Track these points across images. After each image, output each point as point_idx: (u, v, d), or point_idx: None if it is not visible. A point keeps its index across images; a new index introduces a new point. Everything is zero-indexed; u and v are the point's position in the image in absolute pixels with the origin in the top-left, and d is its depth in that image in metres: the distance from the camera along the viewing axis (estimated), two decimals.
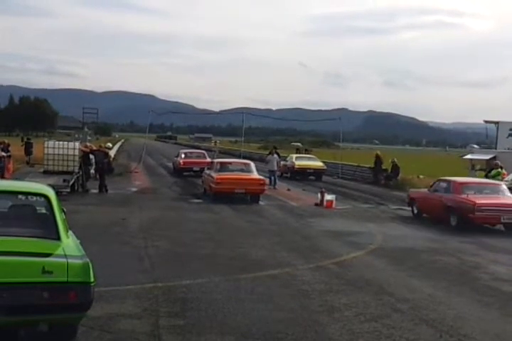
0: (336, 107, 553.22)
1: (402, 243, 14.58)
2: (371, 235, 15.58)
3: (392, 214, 20.62)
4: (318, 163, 35.75)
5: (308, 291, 9.19)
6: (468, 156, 33.77)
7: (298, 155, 40.56)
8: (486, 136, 39.21)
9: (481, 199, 17.02)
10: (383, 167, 33.27)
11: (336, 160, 41.14)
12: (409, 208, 20.69)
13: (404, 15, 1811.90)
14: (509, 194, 18.03)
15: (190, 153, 37.68)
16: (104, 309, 7.58)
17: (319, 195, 22.25)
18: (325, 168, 35.63)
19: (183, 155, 35.44)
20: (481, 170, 29.06)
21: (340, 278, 10.24)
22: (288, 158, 36.67)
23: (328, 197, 21.78)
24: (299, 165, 34.69)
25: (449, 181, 18.90)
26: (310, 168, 34.62)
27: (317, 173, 34.87)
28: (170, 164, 40.85)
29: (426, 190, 20.38)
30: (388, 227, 17.35)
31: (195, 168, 32.75)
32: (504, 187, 18.60)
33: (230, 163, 25.44)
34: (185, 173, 33.60)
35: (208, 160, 31.75)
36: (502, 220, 16.94)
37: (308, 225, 17.28)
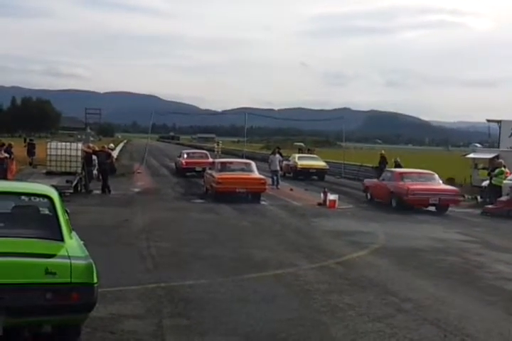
0: (338, 107, 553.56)
1: (405, 242, 14.56)
2: (374, 235, 15.57)
3: (395, 214, 20.59)
4: (320, 163, 35.92)
5: (312, 291, 9.19)
6: (471, 155, 33.73)
7: (300, 155, 40.60)
8: (488, 134, 39.14)
9: (414, 185, 21.09)
10: (387, 166, 33.20)
11: (338, 160, 41.15)
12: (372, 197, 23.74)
13: (406, 15, 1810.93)
14: (440, 181, 22.27)
15: (193, 153, 37.79)
16: (107, 309, 7.58)
17: (322, 194, 22.25)
18: (327, 167, 35.87)
19: (185, 156, 35.49)
20: (483, 168, 29.02)
21: (344, 278, 10.23)
22: (290, 158, 36.81)
23: (331, 196, 21.77)
24: (301, 165, 34.83)
25: (392, 172, 23.76)
26: (312, 168, 34.82)
27: (320, 173, 35.13)
28: (172, 164, 40.86)
29: (376, 179, 24.22)
30: (391, 227, 17.34)
31: (197, 168, 32.69)
32: (436, 176, 22.43)
33: (231, 162, 25.55)
34: (187, 174, 33.61)
35: (211, 160, 31.21)
36: (430, 202, 20.99)
37: (311, 225, 17.28)
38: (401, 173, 22.91)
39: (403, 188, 21.06)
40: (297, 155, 38.35)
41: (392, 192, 21.69)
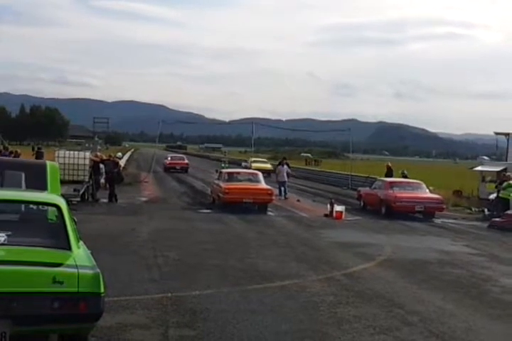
0: (345, 118, 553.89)
1: (412, 254, 14.52)
2: (380, 246, 15.54)
3: (401, 226, 20.57)
4: (268, 166, 47.02)
5: (318, 303, 9.17)
6: (479, 168, 33.64)
7: (254, 159, 51.67)
8: (496, 147, 39.03)
9: (401, 194, 22.71)
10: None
11: (345, 171, 41.25)
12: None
13: (414, 27, 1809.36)
14: (426, 190, 23.72)
15: (174, 156, 55.59)
16: (113, 319, 7.58)
17: (329, 205, 22.23)
18: (272, 168, 42.56)
19: (169, 158, 52.28)
20: (491, 181, 28.93)
21: (350, 290, 10.20)
22: (248, 161, 49.50)
23: (337, 208, 21.75)
24: (254, 167, 43.44)
25: (383, 181, 25.26)
26: (261, 169, 39.76)
27: (267, 173, 40.13)
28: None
29: (369, 188, 25.54)
30: (397, 239, 17.30)
31: (177, 167, 49.27)
32: (423, 185, 23.88)
33: (238, 173, 25.69)
34: (171, 170, 47.72)
35: (186, 161, 51.20)
36: (416, 209, 22.50)
37: (317, 236, 17.26)
38: (391, 182, 24.50)
39: (391, 196, 22.69)
40: (252, 159, 50.23)
41: (382, 199, 23.25)
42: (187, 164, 50.55)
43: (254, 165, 45.54)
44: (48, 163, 9.54)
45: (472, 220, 23.37)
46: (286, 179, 29.64)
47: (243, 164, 49.36)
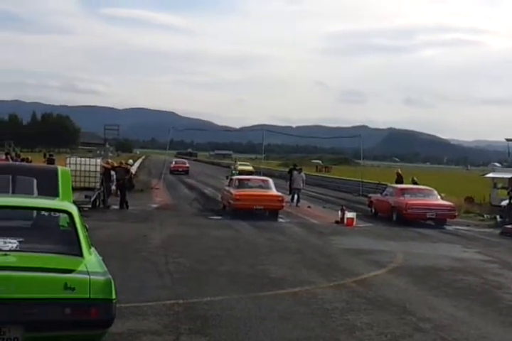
0: (355, 124, 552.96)
1: (423, 261, 14.45)
2: (392, 253, 15.48)
3: (413, 233, 20.49)
4: (249, 168, 56.92)
5: (329, 310, 9.13)
6: (491, 175, 33.51)
7: (241, 162, 63.48)
8: (507, 154, 38.87)
9: (412, 201, 22.51)
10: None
11: (356, 178, 41.19)
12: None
13: (423, 33, 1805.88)
14: (438, 197, 23.39)
15: (177, 161, 65.97)
16: (125, 325, 7.58)
17: (340, 212, 22.18)
18: (253, 170, 53.64)
19: (173, 163, 62.37)
20: (503, 188, 28.80)
21: (361, 297, 10.16)
22: (235, 164, 58.81)
23: (348, 214, 21.69)
24: (240, 169, 52.17)
25: (394, 187, 25.02)
26: (245, 170, 51.07)
27: (251, 173, 46.94)
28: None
29: (379, 195, 25.47)
30: (409, 246, 17.23)
31: (179, 169, 59.04)
32: (435, 192, 23.66)
33: (248, 179, 25.65)
34: (175, 172, 56.46)
35: (187, 165, 62.89)
36: (427, 216, 22.30)
37: (328, 243, 17.22)
38: (402, 189, 24.35)
39: (402, 203, 22.51)
40: (239, 163, 62.38)
41: (393, 206, 23.13)
42: (187, 167, 61.97)
43: (239, 167, 54.80)
44: (60, 168, 9.56)
45: (484, 227, 23.26)
46: (301, 186, 29.50)
47: (232, 166, 60.31)
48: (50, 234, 6.83)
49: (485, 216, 26.45)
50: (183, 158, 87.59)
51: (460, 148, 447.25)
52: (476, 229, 22.62)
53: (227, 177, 28.27)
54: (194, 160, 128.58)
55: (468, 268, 13.89)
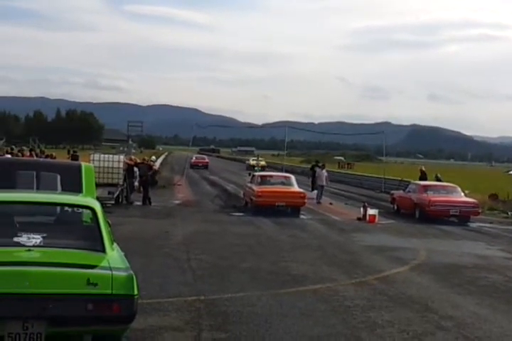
0: (378, 121, 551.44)
1: (446, 259, 14.35)
2: (414, 250, 15.39)
3: (436, 230, 20.35)
4: (263, 163, 57.75)
5: (350, 307, 9.11)
6: None
7: (253, 158, 64.36)
8: None
9: (435, 197, 22.36)
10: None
11: (379, 174, 41.01)
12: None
13: (447, 29, 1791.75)
14: (461, 194, 23.33)
15: (197, 157, 70.25)
16: (146, 321, 7.63)
17: (362, 209, 22.10)
18: (266, 165, 60.06)
19: (194, 158, 65.42)
20: None
21: (383, 294, 10.12)
22: (250, 160, 64.24)
23: (371, 211, 21.60)
24: (252, 163, 56.40)
25: (417, 184, 24.87)
26: (258, 165, 50.82)
27: (264, 168, 52.75)
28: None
29: (402, 191, 25.29)
30: (432, 243, 17.13)
31: (199, 164, 62.75)
32: (458, 189, 23.53)
33: (270, 176, 25.66)
34: (195, 167, 59.14)
35: (206, 160, 67.67)
36: (451, 213, 22.21)
37: (350, 240, 17.17)
38: (425, 186, 24.16)
39: (425, 200, 22.41)
40: (251, 158, 65.50)
41: (416, 203, 23.06)
42: (207, 162, 66.51)
43: (252, 162, 58.48)
44: (83, 164, 9.62)
45: (508, 224, 23.03)
46: (324, 183, 29.46)
47: (246, 162, 65.93)
48: (73, 229, 6.89)
49: (509, 213, 26.19)
50: (205, 155, 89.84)
51: (485, 145, 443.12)
52: (499, 226, 22.40)
53: (249, 174, 28.28)
54: (217, 156, 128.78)
55: (492, 265, 13.77)
